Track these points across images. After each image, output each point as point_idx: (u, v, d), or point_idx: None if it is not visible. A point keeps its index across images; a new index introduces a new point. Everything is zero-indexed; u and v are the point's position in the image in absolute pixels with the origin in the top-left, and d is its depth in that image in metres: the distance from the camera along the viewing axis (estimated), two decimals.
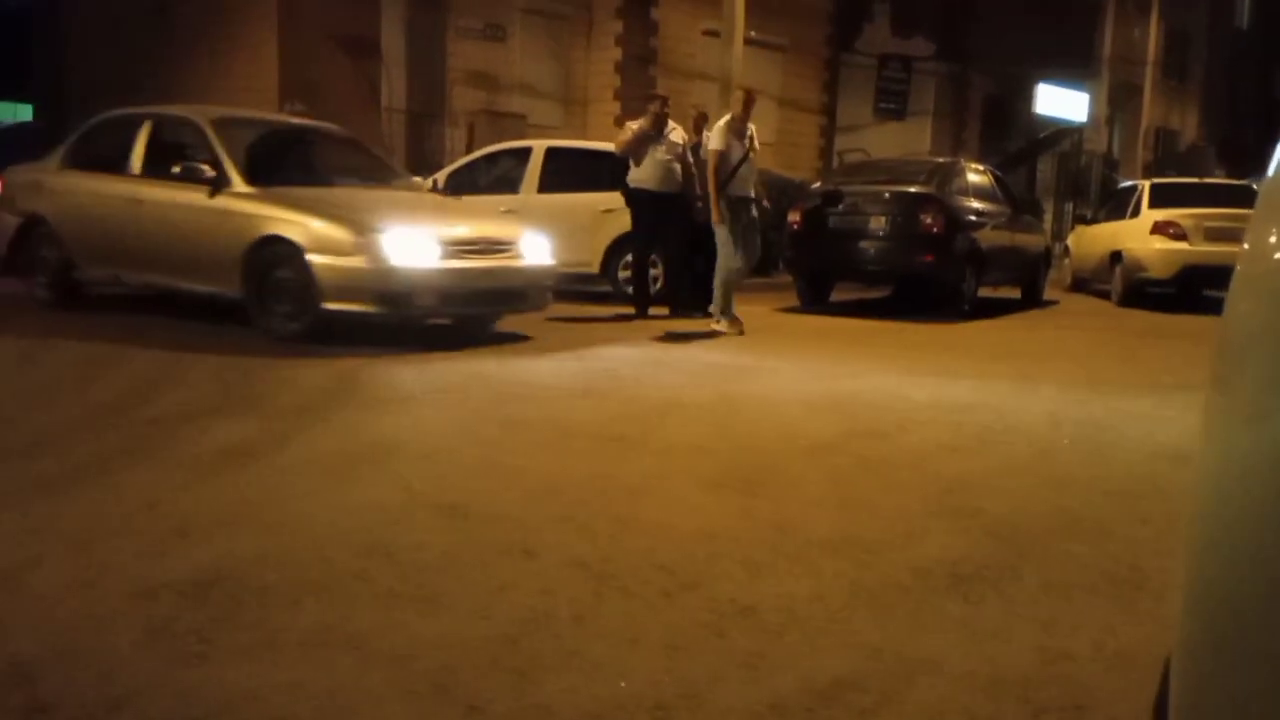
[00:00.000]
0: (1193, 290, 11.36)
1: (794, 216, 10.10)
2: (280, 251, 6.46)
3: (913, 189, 9.83)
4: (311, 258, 6.29)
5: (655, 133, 8.77)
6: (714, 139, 8.00)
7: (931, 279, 9.87)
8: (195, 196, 6.84)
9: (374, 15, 15.56)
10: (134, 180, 7.41)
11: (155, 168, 7.39)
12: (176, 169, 6.90)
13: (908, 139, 20.79)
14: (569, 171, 10.59)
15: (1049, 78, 22.74)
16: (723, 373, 6.17)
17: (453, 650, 2.16)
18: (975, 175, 10.86)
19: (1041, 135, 23.57)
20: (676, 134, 8.93)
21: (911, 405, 5.28)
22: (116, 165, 7.60)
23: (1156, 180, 12.99)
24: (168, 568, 2.57)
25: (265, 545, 2.77)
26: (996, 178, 11.55)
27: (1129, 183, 14.77)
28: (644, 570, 2.69)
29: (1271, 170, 0.75)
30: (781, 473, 3.81)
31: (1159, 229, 11.29)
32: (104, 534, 2.82)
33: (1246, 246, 0.75)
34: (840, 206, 9.97)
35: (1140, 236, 11.49)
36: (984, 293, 10.57)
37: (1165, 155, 25.67)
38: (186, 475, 3.46)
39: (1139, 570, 2.85)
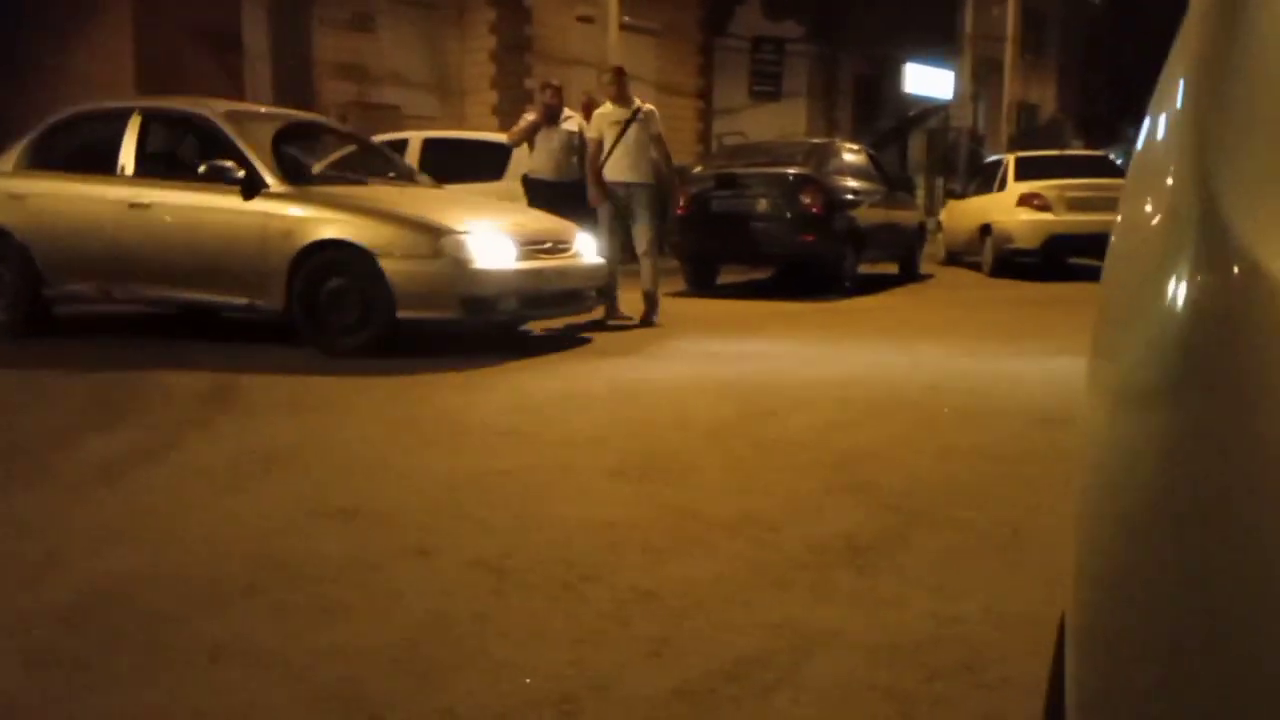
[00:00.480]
0: (1058, 259, 11.88)
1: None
2: (338, 258, 5.97)
3: (791, 171, 10.00)
4: (386, 263, 5.86)
5: (548, 121, 8.72)
6: (591, 128, 8.01)
7: (813, 258, 10.07)
8: (223, 199, 6.22)
9: (234, 6, 15.03)
10: (131, 182, 6.62)
11: (155, 167, 6.72)
12: (203, 169, 6.22)
13: (783, 120, 21.14)
14: (448, 162, 10.42)
15: (915, 56, 23.40)
16: (613, 360, 6.18)
17: (352, 659, 2.11)
18: (850, 155, 11.13)
19: (910, 113, 24.27)
20: (571, 122, 8.87)
21: (801, 383, 5.39)
22: (100, 166, 6.78)
23: (1020, 154, 13.50)
24: (43, 596, 2.44)
25: (149, 564, 2.66)
26: (871, 156, 11.85)
27: (995, 157, 15.34)
28: (545, 564, 2.67)
29: (1140, 142, 0.78)
30: (679, 458, 3.84)
31: (1024, 201, 11.76)
32: None
33: (1120, 218, 0.77)
34: (722, 190, 10.09)
35: (1007, 209, 11.96)
36: (863, 269, 10.84)
37: (1026, 129, 26.73)
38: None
39: (1022, 533, 2.96)
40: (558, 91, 8.88)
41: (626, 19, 14.83)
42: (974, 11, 24.82)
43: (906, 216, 12.20)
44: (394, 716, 1.88)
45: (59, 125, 7.29)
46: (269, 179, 6.26)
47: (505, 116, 16.01)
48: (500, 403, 4.89)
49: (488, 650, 2.16)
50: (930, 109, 24.59)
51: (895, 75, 23.55)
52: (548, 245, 6.48)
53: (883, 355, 6.38)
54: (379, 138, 11.55)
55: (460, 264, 5.90)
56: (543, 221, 6.89)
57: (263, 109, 8.22)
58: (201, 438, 4.12)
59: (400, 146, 10.64)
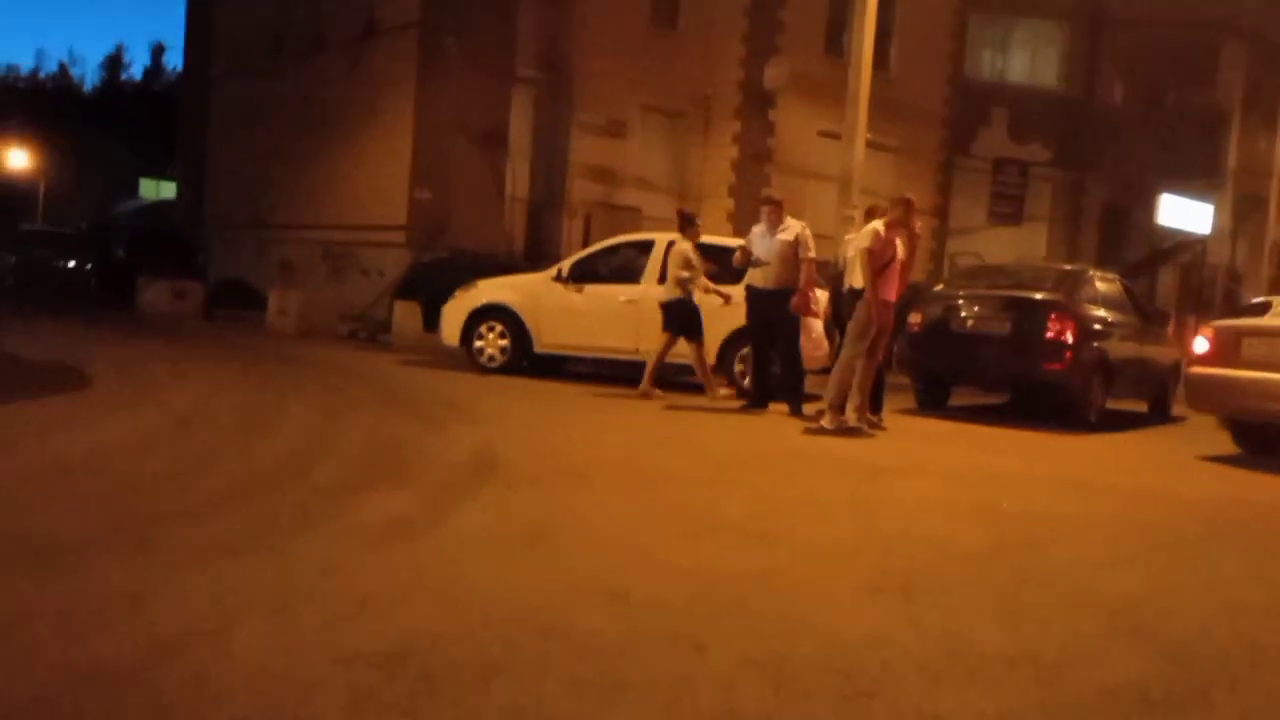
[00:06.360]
0: None
1: (914, 318, 10.05)
2: None
3: (1041, 295, 9.70)
4: None
5: (766, 232, 9.02)
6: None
7: (1058, 388, 9.65)
8: None
9: (504, 108, 16.25)
10: None
11: None
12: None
13: (1021, 244, 20.60)
14: None
15: (1171, 188, 22.32)
16: (858, 471, 6.11)
17: None
18: (1104, 284, 10.68)
19: (1163, 245, 23.05)
20: (789, 232, 9.04)
21: (1059, 515, 5.15)
22: None
23: None
24: (358, 637, 2.63)
25: (446, 621, 2.82)
26: (1125, 287, 11.33)
27: (1260, 299, 14.34)
28: (820, 673, 2.65)
29: None
30: (937, 580, 3.74)
31: None
32: (292, 600, 2.91)
33: None
34: (963, 310, 9.89)
35: None
36: (1109, 404, 10.30)
37: None
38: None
39: None
40: (776, 206, 9.13)
41: (869, 135, 14.96)
42: (1239, 144, 23.62)
43: (1161, 352, 11.53)
44: None
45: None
46: None
47: (740, 223, 16.39)
48: (745, 504, 4.92)
49: None
50: (1185, 242, 23.28)
51: (1147, 205, 22.46)
52: None
53: (1142, 497, 6.01)
54: (623, 238, 12.10)
55: None
56: None
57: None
58: (468, 503, 4.35)
59: (646, 248, 11.08)
